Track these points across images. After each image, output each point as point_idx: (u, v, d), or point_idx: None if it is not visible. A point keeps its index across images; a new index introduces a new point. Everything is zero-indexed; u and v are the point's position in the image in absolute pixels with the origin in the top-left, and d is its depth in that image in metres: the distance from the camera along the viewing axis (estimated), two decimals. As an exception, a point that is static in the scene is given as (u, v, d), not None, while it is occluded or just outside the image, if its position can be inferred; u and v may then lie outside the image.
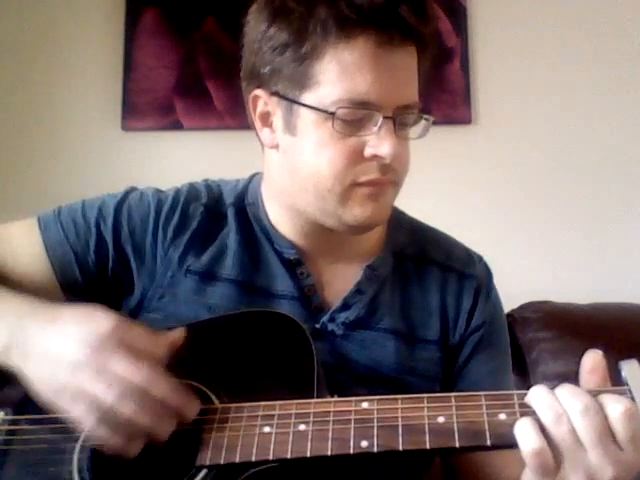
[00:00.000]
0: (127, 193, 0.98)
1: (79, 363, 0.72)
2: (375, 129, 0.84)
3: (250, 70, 0.90)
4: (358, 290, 0.95)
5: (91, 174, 2.04)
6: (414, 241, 1.02)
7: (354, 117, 0.83)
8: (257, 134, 0.94)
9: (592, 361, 0.69)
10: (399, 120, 0.85)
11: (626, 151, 2.04)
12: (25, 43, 2.09)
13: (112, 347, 0.72)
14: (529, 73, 2.07)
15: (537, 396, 0.67)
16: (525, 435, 0.65)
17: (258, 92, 0.89)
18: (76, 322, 0.75)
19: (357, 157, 0.85)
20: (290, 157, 0.89)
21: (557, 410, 0.65)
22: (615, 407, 0.65)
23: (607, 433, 0.64)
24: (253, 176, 1.03)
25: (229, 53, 2.01)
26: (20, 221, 0.98)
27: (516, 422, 0.66)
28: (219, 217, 0.97)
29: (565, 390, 0.67)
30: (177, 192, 0.99)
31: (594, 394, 0.66)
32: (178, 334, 0.78)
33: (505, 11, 2.09)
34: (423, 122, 0.89)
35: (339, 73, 0.82)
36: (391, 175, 0.87)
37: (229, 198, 0.99)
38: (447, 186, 2.02)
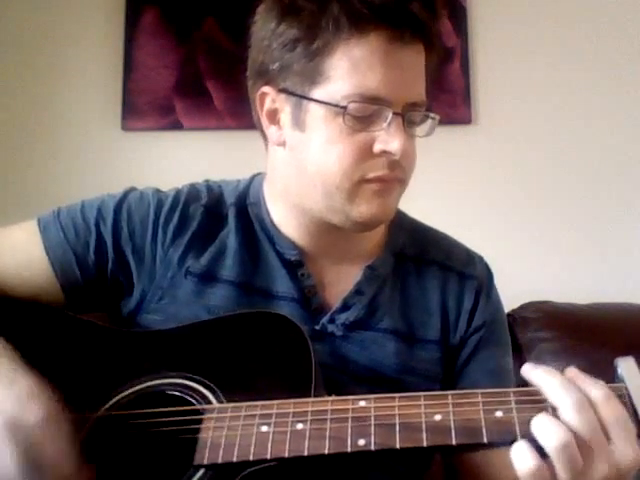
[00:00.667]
0: (127, 193, 0.98)
1: None
2: (385, 125, 0.84)
3: (258, 68, 0.90)
4: (357, 291, 0.95)
5: (91, 174, 2.04)
6: (414, 241, 1.02)
7: (364, 113, 0.84)
8: (262, 132, 0.94)
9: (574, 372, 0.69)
10: (407, 117, 0.86)
11: (626, 151, 2.04)
12: (25, 43, 2.09)
13: (15, 441, 0.70)
14: (529, 73, 2.07)
15: (551, 383, 0.67)
16: (547, 430, 0.65)
17: (266, 89, 0.89)
18: (11, 398, 0.72)
19: (366, 153, 0.85)
20: (298, 154, 0.89)
21: (578, 398, 0.65)
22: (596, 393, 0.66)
23: (627, 417, 0.65)
24: (254, 176, 1.03)
25: (229, 53, 2.01)
26: (19, 223, 0.98)
27: (530, 420, 0.66)
28: (219, 218, 0.97)
29: (579, 380, 0.67)
30: (177, 193, 0.99)
31: None
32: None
33: (505, 11, 2.09)
34: (429, 121, 0.90)
35: (350, 69, 0.83)
36: (399, 172, 0.87)
37: (230, 198, 0.99)
38: (447, 186, 2.02)
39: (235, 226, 0.96)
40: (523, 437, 0.66)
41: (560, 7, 2.09)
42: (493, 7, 2.09)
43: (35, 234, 0.95)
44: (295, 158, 0.89)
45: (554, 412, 0.66)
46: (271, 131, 0.91)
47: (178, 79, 2.07)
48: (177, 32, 2.08)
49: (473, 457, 0.95)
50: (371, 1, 0.82)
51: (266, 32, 0.88)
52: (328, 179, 0.86)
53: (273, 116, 0.90)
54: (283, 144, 0.90)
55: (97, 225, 0.94)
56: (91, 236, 0.94)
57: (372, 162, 0.85)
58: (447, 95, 2.03)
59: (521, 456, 0.65)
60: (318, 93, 0.85)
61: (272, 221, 0.96)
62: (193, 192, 0.99)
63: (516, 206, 2.03)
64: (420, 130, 0.90)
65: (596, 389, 0.66)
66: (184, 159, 2.04)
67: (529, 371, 0.69)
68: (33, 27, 2.10)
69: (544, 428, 0.65)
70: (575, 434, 0.64)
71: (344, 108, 0.83)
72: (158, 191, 0.99)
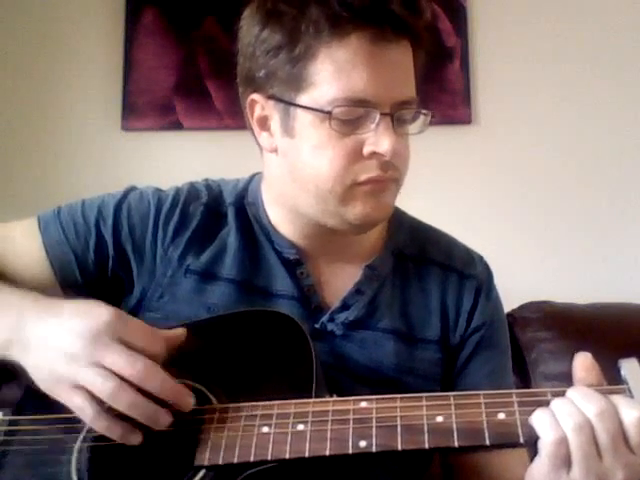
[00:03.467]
0: (127, 192, 0.98)
1: (75, 355, 0.73)
2: (373, 127, 0.83)
3: (246, 75, 0.90)
4: (357, 290, 0.95)
5: (91, 174, 2.04)
6: (414, 241, 1.01)
7: (351, 116, 0.83)
8: (255, 138, 0.94)
9: (584, 363, 0.70)
10: (397, 116, 0.85)
11: (626, 151, 2.04)
12: (25, 43, 2.09)
13: (108, 340, 0.73)
14: (529, 73, 2.06)
15: (559, 405, 0.67)
16: (546, 424, 0.65)
17: (255, 97, 0.89)
18: (75, 314, 0.76)
19: (356, 156, 0.84)
20: (289, 160, 0.88)
21: (579, 418, 0.65)
22: (630, 412, 0.65)
23: (620, 436, 0.64)
24: (253, 176, 1.03)
25: (229, 53, 1.98)
26: (20, 221, 0.98)
27: (533, 412, 0.67)
28: (219, 216, 0.97)
29: (577, 393, 0.67)
30: (177, 191, 0.99)
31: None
32: (179, 332, 0.80)
33: (505, 11, 2.09)
34: (422, 117, 0.89)
35: (334, 72, 0.82)
36: (392, 172, 0.86)
37: (229, 198, 0.99)
38: (447, 186, 2.02)
39: (235, 225, 0.96)
40: (526, 439, 0.66)
41: (560, 7, 2.09)
42: (493, 7, 2.09)
43: (35, 233, 0.95)
44: (287, 164, 0.89)
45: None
46: (263, 138, 0.91)
47: (178, 79, 2.07)
48: (177, 32, 2.08)
49: (472, 458, 0.95)
50: (350, 2, 0.81)
51: (251, 38, 0.87)
52: (321, 184, 0.85)
53: (264, 123, 0.90)
54: (275, 150, 0.90)
55: (97, 225, 0.94)
56: (91, 236, 0.94)
57: (363, 164, 0.85)
58: (447, 95, 2.03)
59: (545, 423, 0.66)
60: (304, 99, 0.84)
61: (270, 221, 0.96)
62: (193, 191, 0.99)
63: (516, 206, 2.03)
64: (413, 127, 0.89)
65: (591, 404, 0.66)
66: (184, 159, 2.04)
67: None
68: (33, 27, 2.10)
69: (543, 422, 0.66)
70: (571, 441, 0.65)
71: (329, 113, 0.82)
72: (158, 190, 0.99)
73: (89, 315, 0.75)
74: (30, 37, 2.10)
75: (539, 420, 0.66)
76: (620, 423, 0.65)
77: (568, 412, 0.66)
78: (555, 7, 2.09)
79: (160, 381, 0.73)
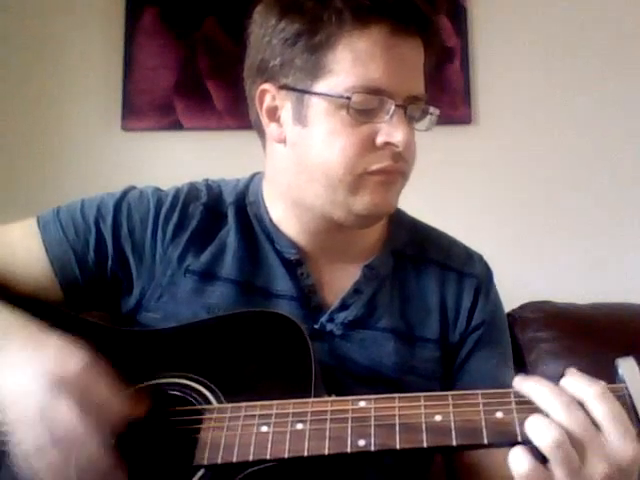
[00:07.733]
0: (126, 192, 0.98)
1: (30, 395, 0.70)
2: (387, 117, 0.85)
3: (257, 66, 0.91)
4: (356, 290, 0.95)
5: (91, 174, 2.03)
6: (414, 240, 1.02)
7: (366, 106, 0.84)
8: (260, 131, 0.95)
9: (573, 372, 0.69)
10: (408, 111, 0.87)
11: (627, 151, 2.04)
12: (25, 43, 2.09)
13: (66, 392, 0.70)
14: (529, 73, 2.07)
15: (539, 390, 0.67)
16: (540, 430, 0.64)
17: (266, 86, 0.90)
18: (48, 356, 0.73)
19: (369, 145, 0.85)
20: (299, 149, 0.89)
21: (565, 399, 0.65)
22: (588, 389, 0.65)
23: (622, 412, 0.64)
24: (254, 175, 1.03)
25: (229, 53, 2.01)
26: (19, 222, 0.97)
27: (525, 421, 0.66)
28: (219, 216, 0.97)
29: (574, 379, 0.67)
30: (177, 191, 0.99)
31: None
32: (139, 409, 0.76)
33: (505, 11, 2.09)
34: (429, 116, 0.91)
35: (353, 61, 0.84)
36: (401, 165, 0.88)
37: (229, 197, 0.99)
38: (447, 186, 2.02)
39: (235, 225, 0.96)
40: (524, 438, 0.66)
41: (560, 7, 2.09)
42: (493, 7, 2.09)
43: (34, 232, 0.95)
44: (296, 154, 0.90)
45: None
46: (271, 129, 0.92)
47: (178, 79, 2.07)
48: (177, 32, 2.08)
49: (473, 455, 0.94)
50: None
51: (266, 29, 0.88)
52: (331, 172, 0.86)
53: (273, 113, 0.91)
54: (284, 141, 0.91)
55: (97, 223, 0.94)
56: (91, 234, 0.94)
57: (375, 154, 0.86)
58: (447, 95, 2.03)
59: (517, 459, 0.65)
60: (320, 87, 0.85)
61: (271, 220, 0.96)
62: (193, 191, 0.99)
63: (516, 206, 2.03)
64: (420, 125, 0.91)
65: (588, 387, 0.65)
66: (184, 159, 2.04)
67: (519, 383, 0.69)
68: (33, 27, 2.10)
69: (537, 428, 0.65)
70: (568, 433, 0.63)
71: (348, 99, 0.83)
72: (158, 190, 0.99)
73: (61, 360, 0.72)
74: (30, 37, 2.09)
75: (531, 428, 0.65)
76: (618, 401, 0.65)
77: (557, 395, 0.66)
78: (555, 7, 2.09)
79: (98, 448, 0.69)
